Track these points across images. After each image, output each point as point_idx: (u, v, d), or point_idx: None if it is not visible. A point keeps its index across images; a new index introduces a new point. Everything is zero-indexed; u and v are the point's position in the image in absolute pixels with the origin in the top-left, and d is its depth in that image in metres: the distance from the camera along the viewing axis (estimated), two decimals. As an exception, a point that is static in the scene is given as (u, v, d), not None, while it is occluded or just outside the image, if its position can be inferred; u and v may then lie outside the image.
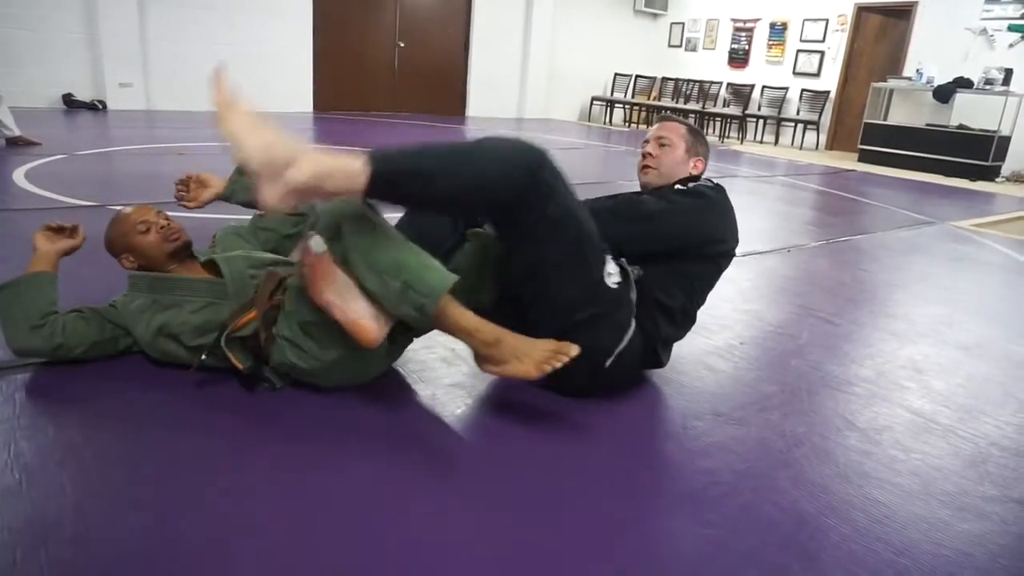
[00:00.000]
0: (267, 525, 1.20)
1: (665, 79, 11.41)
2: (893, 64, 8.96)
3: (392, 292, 1.36)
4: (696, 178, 1.85)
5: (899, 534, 1.29)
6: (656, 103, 11.06)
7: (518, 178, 1.36)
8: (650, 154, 1.85)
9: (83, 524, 1.15)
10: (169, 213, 1.74)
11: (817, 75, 9.75)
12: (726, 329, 2.33)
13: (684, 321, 1.77)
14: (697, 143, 1.87)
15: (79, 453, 1.35)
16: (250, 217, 1.96)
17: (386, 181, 1.28)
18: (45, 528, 1.13)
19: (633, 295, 1.64)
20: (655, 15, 11.86)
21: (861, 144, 8.45)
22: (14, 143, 4.77)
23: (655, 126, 1.92)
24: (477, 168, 1.35)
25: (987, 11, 7.97)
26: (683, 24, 11.54)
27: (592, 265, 1.53)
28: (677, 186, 1.76)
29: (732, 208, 1.76)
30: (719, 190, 1.75)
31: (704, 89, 10.76)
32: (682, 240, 1.68)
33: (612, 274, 1.57)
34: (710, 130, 10.42)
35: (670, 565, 1.18)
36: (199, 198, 1.86)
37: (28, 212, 3.10)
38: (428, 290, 1.35)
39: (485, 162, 1.36)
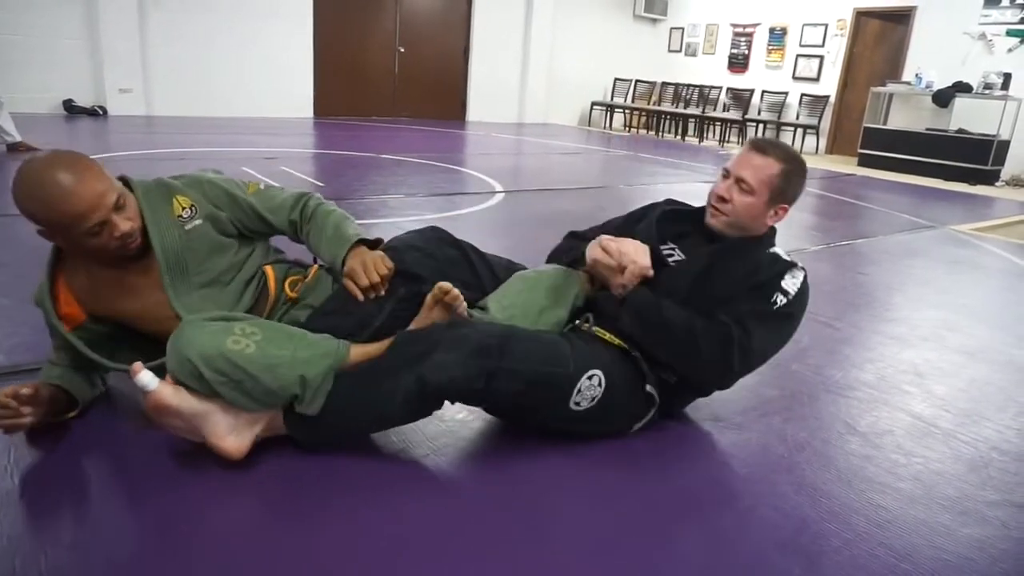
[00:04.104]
0: (268, 523, 1.20)
1: (665, 84, 11.42)
2: (892, 68, 8.98)
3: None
4: (771, 237, 1.62)
5: (901, 539, 1.29)
6: (656, 108, 11.08)
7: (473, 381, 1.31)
8: (722, 198, 1.55)
9: (83, 530, 1.15)
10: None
11: (816, 80, 9.77)
12: (726, 333, 2.33)
13: None
14: (789, 187, 1.55)
15: (79, 458, 1.35)
16: None
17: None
18: (45, 534, 1.13)
19: (649, 393, 1.54)
20: (655, 20, 11.88)
21: (861, 148, 8.45)
22: (15, 149, 4.78)
23: (744, 151, 1.57)
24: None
25: (985, 16, 7.98)
26: (683, 29, 11.56)
27: (559, 402, 1.41)
28: (777, 296, 1.48)
29: None
30: (807, 289, 1.55)
31: (704, 94, 10.75)
32: (769, 358, 1.58)
33: (582, 395, 1.41)
34: (710, 134, 10.43)
35: (671, 570, 1.17)
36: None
37: (29, 217, 3.09)
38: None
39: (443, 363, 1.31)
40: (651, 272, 1.53)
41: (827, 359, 2.20)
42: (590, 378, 1.41)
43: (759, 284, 1.51)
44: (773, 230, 1.65)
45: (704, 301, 1.50)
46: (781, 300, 1.49)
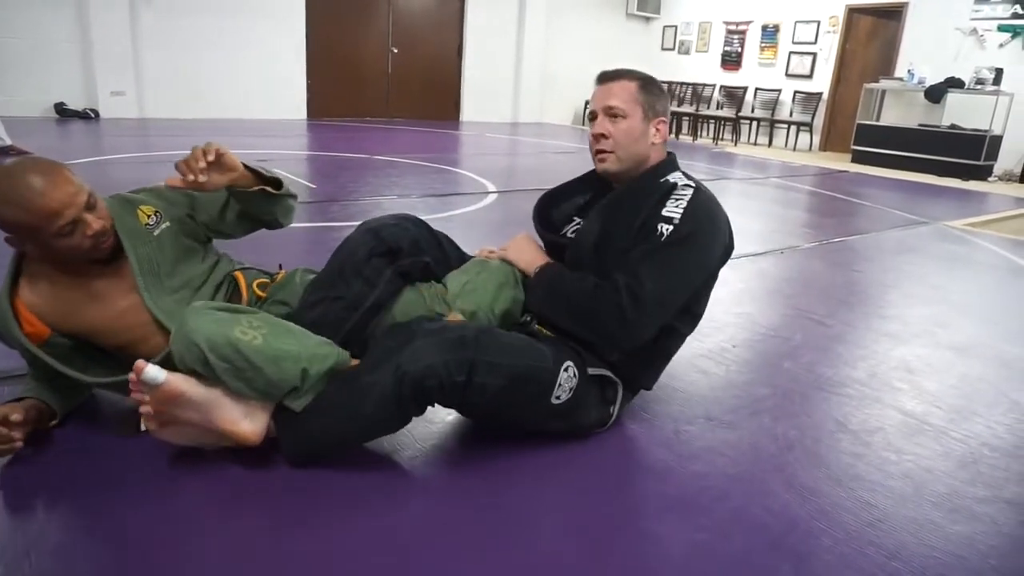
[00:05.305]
0: (258, 529, 1.19)
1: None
2: (885, 65, 8.99)
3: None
4: (667, 166, 1.57)
5: (890, 537, 1.29)
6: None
7: (446, 378, 1.27)
8: (602, 135, 1.53)
9: (66, 536, 1.14)
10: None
11: (809, 77, 9.78)
12: (719, 332, 2.33)
13: (683, 340, 1.65)
14: (653, 98, 1.53)
15: (64, 464, 1.34)
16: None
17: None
18: (28, 539, 1.12)
19: (608, 379, 1.54)
20: (647, 18, 11.89)
21: (854, 145, 8.47)
22: (5, 153, 4.75)
23: (597, 89, 1.56)
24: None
25: (977, 11, 8.00)
26: (675, 27, 11.57)
27: (540, 397, 1.40)
28: (661, 226, 1.42)
29: (719, 209, 1.53)
30: (701, 204, 1.47)
31: (697, 92, 10.78)
32: (688, 292, 1.48)
33: (562, 388, 1.41)
34: (704, 132, 10.45)
35: (661, 570, 1.17)
36: (211, 182, 1.37)
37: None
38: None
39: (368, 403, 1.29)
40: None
41: (819, 357, 2.20)
42: (566, 369, 1.41)
43: (643, 224, 1.45)
44: (671, 156, 1.60)
45: (611, 261, 1.46)
46: (667, 229, 1.42)
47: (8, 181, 1.23)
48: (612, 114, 1.52)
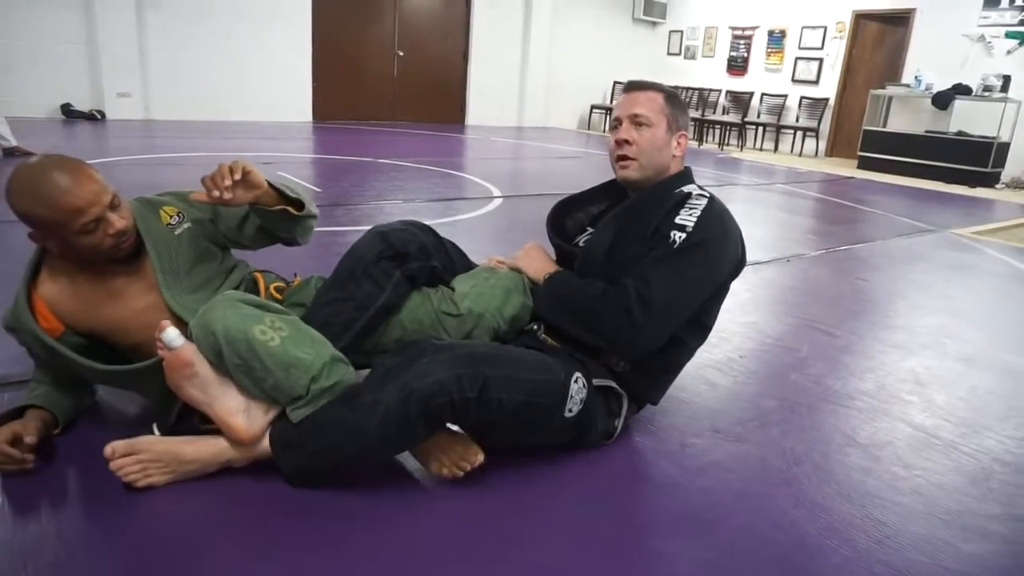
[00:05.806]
0: (261, 543, 1.17)
1: (664, 87, 11.41)
2: (892, 71, 8.96)
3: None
4: (683, 178, 1.59)
5: (900, 555, 1.27)
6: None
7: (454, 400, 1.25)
8: (626, 141, 1.54)
9: (63, 549, 1.13)
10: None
11: (816, 82, 9.75)
12: (725, 342, 2.31)
13: (692, 353, 1.64)
14: (677, 112, 1.57)
15: (61, 475, 1.33)
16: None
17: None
18: (25, 552, 1.11)
19: (616, 391, 1.53)
20: (654, 23, 11.87)
21: (860, 151, 8.44)
22: (11, 154, 4.75)
23: (623, 98, 1.59)
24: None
25: (984, 18, 7.97)
26: (682, 32, 11.55)
27: (554, 411, 1.38)
28: (674, 233, 1.43)
29: (732, 221, 1.53)
30: (715, 214, 1.47)
31: (703, 97, 10.76)
32: (697, 300, 1.47)
33: (573, 400, 1.39)
34: (709, 137, 10.43)
35: (667, 590, 1.15)
36: (236, 199, 1.37)
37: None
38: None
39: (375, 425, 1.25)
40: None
41: (827, 368, 2.18)
42: (576, 381, 1.40)
43: (655, 231, 1.46)
44: (687, 169, 1.62)
45: (621, 268, 1.45)
46: (680, 236, 1.43)
47: (34, 178, 1.25)
48: (637, 122, 1.54)
